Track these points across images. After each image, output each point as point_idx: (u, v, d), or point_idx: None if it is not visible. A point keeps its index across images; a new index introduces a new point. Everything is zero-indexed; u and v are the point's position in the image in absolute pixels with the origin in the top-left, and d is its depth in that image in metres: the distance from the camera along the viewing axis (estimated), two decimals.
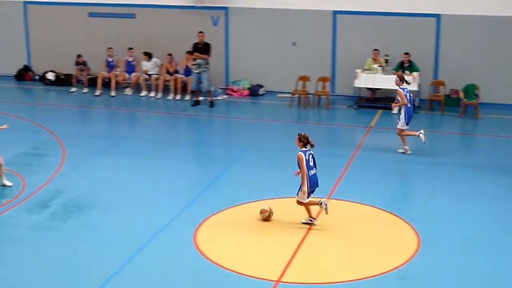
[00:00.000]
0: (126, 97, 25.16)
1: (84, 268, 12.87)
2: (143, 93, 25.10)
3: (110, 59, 25.54)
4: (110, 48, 25.44)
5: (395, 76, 18.93)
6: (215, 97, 24.35)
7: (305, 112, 23.45)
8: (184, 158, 18.88)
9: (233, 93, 25.31)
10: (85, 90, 25.63)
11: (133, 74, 25.38)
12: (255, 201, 15.50)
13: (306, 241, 13.76)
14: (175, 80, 24.76)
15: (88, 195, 16.11)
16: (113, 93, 25.13)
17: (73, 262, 13.14)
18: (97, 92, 25.19)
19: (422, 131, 18.52)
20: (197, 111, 23.41)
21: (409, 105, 18.33)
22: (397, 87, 18.48)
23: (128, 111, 23.94)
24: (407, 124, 18.48)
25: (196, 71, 23.60)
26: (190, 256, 13.21)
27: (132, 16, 26.04)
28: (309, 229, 14.21)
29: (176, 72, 24.87)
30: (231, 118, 23.14)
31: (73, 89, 25.83)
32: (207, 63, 23.56)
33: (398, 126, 18.58)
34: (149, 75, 25.13)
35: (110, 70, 25.49)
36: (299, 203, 14.26)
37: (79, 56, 25.85)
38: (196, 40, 23.65)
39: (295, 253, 13.25)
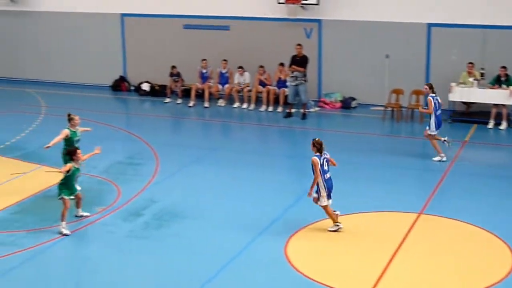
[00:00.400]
0: (219, 108, 25.38)
1: (174, 278, 13.01)
2: (236, 104, 25.27)
3: (204, 71, 25.82)
4: (204, 59, 25.74)
5: (425, 85, 19.55)
6: (308, 109, 24.31)
7: (398, 125, 23.16)
8: (275, 170, 18.89)
9: (325, 106, 25.22)
10: (179, 101, 25.98)
11: (226, 86, 25.60)
12: (347, 214, 15.37)
13: (398, 255, 13.56)
14: (268, 92, 24.84)
15: (181, 205, 16.29)
16: (206, 104, 25.40)
17: (165, 271, 13.30)
18: (191, 103, 25.50)
19: (447, 138, 19.16)
20: (289, 123, 23.41)
21: (438, 112, 18.96)
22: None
23: (220, 122, 24.16)
24: (437, 129, 19.05)
25: (293, 84, 23.58)
26: (281, 268, 13.18)
27: (226, 28, 26.28)
28: (401, 243, 14.00)
29: (270, 84, 24.95)
30: (323, 130, 23.02)
31: (167, 100, 26.22)
32: (304, 76, 23.51)
33: (429, 132, 19.07)
34: (242, 87, 25.29)
35: (203, 81, 25.77)
36: (323, 207, 14.53)
37: (173, 67, 26.23)
38: (293, 52, 23.67)
39: (386, 267, 13.06)
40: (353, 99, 25.15)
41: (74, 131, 16.65)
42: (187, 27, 26.93)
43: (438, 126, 19.09)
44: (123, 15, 27.80)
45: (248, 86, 25.30)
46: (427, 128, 19.14)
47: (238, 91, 25.35)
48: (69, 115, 16.85)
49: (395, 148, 20.34)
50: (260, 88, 25.01)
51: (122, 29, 27.93)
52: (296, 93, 23.65)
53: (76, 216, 15.77)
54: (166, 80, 26.51)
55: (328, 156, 14.58)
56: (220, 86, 25.79)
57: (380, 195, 16.80)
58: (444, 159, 19.02)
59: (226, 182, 17.88)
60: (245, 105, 25.21)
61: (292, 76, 23.62)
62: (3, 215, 15.93)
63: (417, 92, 23.66)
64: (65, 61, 28.90)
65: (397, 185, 17.37)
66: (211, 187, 17.57)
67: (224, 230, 15.01)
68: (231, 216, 15.61)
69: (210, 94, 25.64)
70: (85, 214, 15.89)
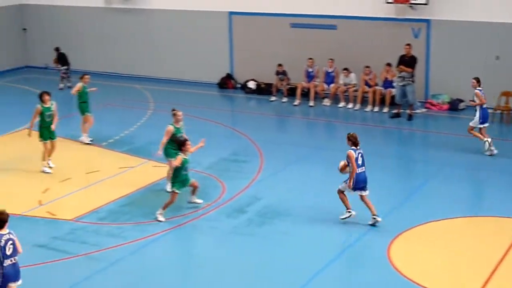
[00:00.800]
0: (324, 107, 25.32)
1: (277, 275, 13.11)
2: (341, 104, 25.16)
3: (310, 70, 25.82)
4: (310, 58, 25.73)
5: (473, 79, 20.24)
6: (414, 110, 23.96)
7: (507, 128, 22.56)
8: (380, 170, 18.68)
9: (432, 107, 24.79)
10: (285, 99, 26.07)
11: (332, 85, 25.52)
12: (451, 218, 15.12)
13: (504, 262, 13.23)
14: (374, 92, 24.63)
15: (284, 203, 16.38)
16: (311, 103, 25.40)
17: (267, 269, 13.41)
18: (296, 102, 25.55)
19: (490, 139, 19.47)
20: (396, 124, 23.13)
21: (484, 105, 19.65)
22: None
23: (325, 121, 24.11)
24: (481, 123, 19.61)
25: (400, 84, 23.30)
26: (383, 269, 13.09)
27: (333, 27, 26.19)
28: (509, 249, 13.65)
29: (375, 84, 24.73)
30: (430, 132, 22.66)
31: (273, 98, 26.35)
32: (411, 76, 23.16)
33: (471, 124, 19.73)
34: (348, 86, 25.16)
35: (309, 80, 25.78)
36: (339, 191, 15.23)
37: (279, 65, 26.33)
38: (400, 52, 23.38)
39: (491, 274, 12.78)
40: (461, 101, 24.62)
41: (178, 128, 16.97)
42: (294, 25, 26.98)
43: (483, 119, 19.62)
44: (231, 13, 28.08)
45: (354, 86, 25.15)
46: (472, 118, 19.81)
47: (344, 91, 25.23)
48: (173, 110, 17.22)
49: (504, 152, 19.78)
50: (366, 88, 24.82)
51: (230, 27, 28.22)
52: (403, 94, 23.34)
53: (190, 202, 16.21)
54: (272, 79, 26.64)
55: (361, 151, 15.11)
56: (325, 85, 25.73)
57: (490, 199, 16.47)
58: (495, 152, 19.39)
59: (330, 181, 17.78)
60: (350, 105, 25.07)
61: (399, 77, 23.33)
62: (112, 208, 16.41)
63: None
64: (174, 58, 29.43)
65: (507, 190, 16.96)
66: (315, 185, 17.59)
67: (327, 229, 15.01)
68: (334, 215, 15.57)
69: (316, 93, 25.62)
70: (198, 201, 16.36)
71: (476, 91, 19.81)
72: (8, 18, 31.66)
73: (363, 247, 14.17)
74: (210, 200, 16.62)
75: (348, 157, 14.89)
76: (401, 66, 23.18)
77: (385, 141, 21.93)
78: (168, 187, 16.92)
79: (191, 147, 15.57)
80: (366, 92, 24.86)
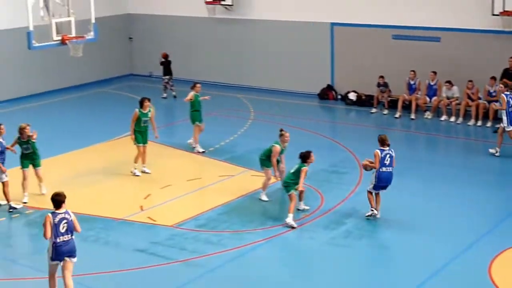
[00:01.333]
0: (426, 120, 24.94)
1: None
2: (443, 117, 24.72)
3: (412, 82, 25.50)
4: (412, 70, 25.42)
5: (500, 83, 21.30)
6: None
7: None
8: (482, 186, 18.29)
9: None
10: (385, 111, 25.82)
11: (434, 98, 25.12)
12: None
13: None
14: (477, 106, 24.11)
15: (383, 216, 16.20)
16: (412, 116, 25.06)
17: (363, 283, 13.30)
18: (397, 114, 25.25)
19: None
20: None
21: (510, 109, 20.13)
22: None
23: (426, 134, 23.73)
24: (509, 124, 20.14)
25: None
26: None
27: (436, 39, 25.80)
28: None
29: (478, 98, 24.21)
30: None
31: (374, 110, 26.14)
32: None
33: (504, 126, 20.34)
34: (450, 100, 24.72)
35: (411, 92, 25.46)
36: (367, 192, 16.06)
37: (381, 77, 26.12)
38: (506, 65, 22.83)
39: None
40: None
41: (283, 149, 17.16)
42: (396, 37, 26.72)
43: (510, 122, 20.13)
44: (333, 24, 28.04)
45: (456, 100, 24.69)
46: (502, 124, 20.36)
47: (446, 104, 24.79)
48: (281, 130, 17.37)
49: None
50: (469, 102, 24.31)
51: (331, 38, 28.18)
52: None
53: (298, 209, 16.40)
54: (373, 90, 26.45)
55: (392, 153, 16.15)
56: (427, 98, 25.35)
57: None
58: (497, 154, 20.36)
59: (429, 195, 17.58)
60: (452, 119, 24.60)
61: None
62: (211, 215, 16.61)
63: None
64: (275, 68, 29.58)
65: None
66: (414, 199, 17.35)
67: (427, 243, 14.80)
68: (434, 229, 15.34)
69: (417, 105, 25.27)
70: (306, 207, 16.62)
71: (502, 95, 20.34)
72: (115, 27, 32.51)
73: (463, 264, 13.87)
74: (309, 211, 16.61)
75: (374, 156, 15.98)
76: (505, 80, 22.63)
77: (487, 156, 21.38)
78: (264, 197, 17.12)
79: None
80: (469, 106, 24.36)
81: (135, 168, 19.50)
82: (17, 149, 17.75)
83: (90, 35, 21.91)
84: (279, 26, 29.21)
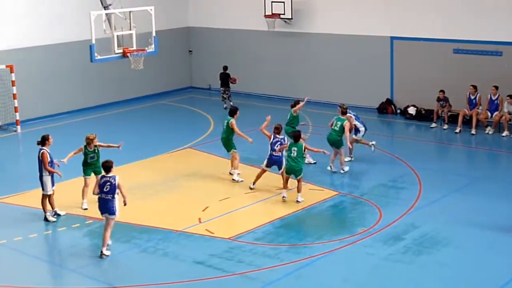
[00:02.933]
0: (487, 136, 24.56)
1: None
2: (505, 133, 24.33)
3: (472, 97, 25.18)
4: (472, 85, 25.11)
5: None
6: None
7: None
8: None
9: None
10: (445, 126, 25.52)
11: (495, 113, 24.75)
12: None
13: None
14: None
15: (443, 232, 16.03)
16: (473, 131, 24.72)
17: None
18: (457, 129, 24.94)
19: None
20: None
21: None
22: None
23: (487, 150, 23.36)
24: None
25: None
26: None
27: (498, 53, 25.44)
28: None
29: None
30: None
31: (433, 125, 25.86)
32: None
33: None
34: None
35: (471, 107, 25.13)
36: None
37: (441, 91, 25.85)
38: None
39: None
40: None
41: None
42: (457, 51, 26.43)
43: None
44: (393, 38, 27.88)
45: None
46: None
47: (508, 120, 24.40)
48: None
49: None
50: None
51: (391, 52, 28.02)
52: None
53: (298, 201, 17.96)
54: (433, 105, 26.18)
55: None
56: (489, 113, 24.98)
57: None
58: None
59: (490, 213, 17.29)
60: None
61: None
62: (268, 228, 16.62)
63: None
64: (333, 81, 29.54)
65: None
66: (475, 216, 17.09)
67: (488, 259, 14.57)
68: (495, 245, 15.10)
69: (478, 121, 24.92)
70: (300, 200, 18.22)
71: None
72: (176, 40, 32.85)
73: None
74: (367, 226, 16.51)
75: None
76: None
77: None
78: (299, 198, 18.07)
79: None
80: None
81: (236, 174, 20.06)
82: (75, 159, 18.06)
83: (151, 48, 22.23)
84: (339, 40, 29.17)
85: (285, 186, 18.54)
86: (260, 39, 31.47)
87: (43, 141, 17.30)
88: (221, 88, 29.62)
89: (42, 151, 17.15)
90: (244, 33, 31.95)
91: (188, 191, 19.46)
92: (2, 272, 15.05)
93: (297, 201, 18.19)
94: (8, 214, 18.14)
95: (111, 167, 15.29)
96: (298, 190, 18.28)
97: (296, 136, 18.46)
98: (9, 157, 24.11)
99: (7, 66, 26.49)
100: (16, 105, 26.77)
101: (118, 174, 15.47)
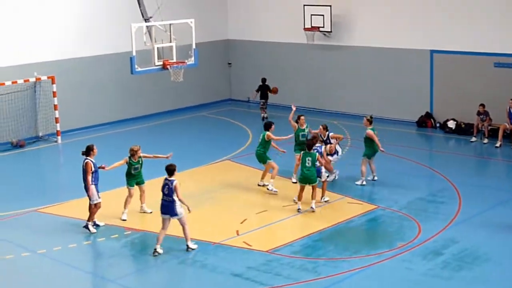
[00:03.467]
0: None
1: None
2: None
3: None
4: None
5: None
6: None
7: None
8: None
9: None
10: (485, 140, 25.25)
11: None
12: None
13: None
14: None
15: (483, 247, 15.85)
16: None
17: None
18: (498, 144, 24.68)
19: None
20: None
21: None
22: None
23: None
24: None
25: None
26: None
27: None
28: None
29: None
30: None
31: (473, 139, 25.60)
32: None
33: None
34: None
35: None
36: None
37: (481, 105, 25.61)
38: None
39: None
40: None
41: None
42: (498, 65, 26.17)
43: None
44: (433, 51, 27.71)
45: None
46: None
47: None
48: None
49: None
50: None
51: (431, 65, 27.84)
52: None
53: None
54: (473, 119, 25.94)
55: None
56: None
57: None
58: None
59: None
60: None
61: None
62: (306, 242, 16.57)
63: None
64: (373, 94, 29.43)
65: None
66: None
67: None
68: None
69: None
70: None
71: None
72: (215, 53, 33.02)
73: None
74: (406, 241, 16.38)
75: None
76: None
77: None
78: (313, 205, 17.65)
79: None
80: None
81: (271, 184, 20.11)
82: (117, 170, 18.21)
83: (191, 60, 22.35)
84: (378, 53, 29.08)
85: (300, 197, 18.70)
86: (299, 52, 31.49)
87: (88, 151, 17.48)
88: (261, 100, 29.73)
89: (86, 161, 17.34)
90: (283, 46, 32.00)
91: (226, 203, 19.49)
92: (42, 282, 15.21)
93: (311, 208, 18.29)
94: (48, 224, 18.33)
95: (174, 170, 16.05)
96: (312, 197, 18.41)
97: (309, 145, 18.53)
98: (50, 168, 24.41)
99: (48, 77, 26.87)
100: (57, 115, 27.12)
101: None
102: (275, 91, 29.58)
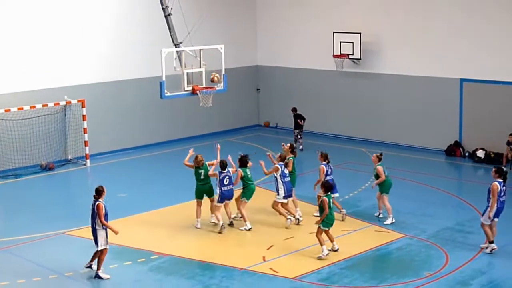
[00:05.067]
0: None
1: None
2: None
3: None
4: None
5: None
6: None
7: None
8: None
9: None
10: None
11: None
12: None
13: None
14: None
15: (507, 279, 15.67)
16: None
17: None
18: None
19: None
20: None
21: None
22: None
23: None
24: None
25: None
26: None
27: None
28: None
29: None
30: None
31: (503, 168, 25.37)
32: None
33: None
34: None
35: None
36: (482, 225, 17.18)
37: (511, 135, 25.42)
38: None
39: None
40: None
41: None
42: None
43: None
44: (462, 80, 27.62)
45: None
46: None
47: None
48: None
49: None
50: None
51: (460, 94, 27.73)
52: None
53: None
54: (502, 148, 25.76)
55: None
56: None
57: None
58: None
59: None
60: None
61: None
62: (333, 269, 16.49)
63: None
64: (401, 122, 29.36)
65: None
66: None
67: None
68: None
69: None
70: None
71: None
72: (244, 78, 33.17)
73: None
74: (433, 270, 16.24)
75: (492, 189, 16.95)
76: None
77: None
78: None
79: None
80: None
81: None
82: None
83: (220, 86, 22.44)
84: (407, 81, 29.04)
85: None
86: (328, 79, 31.53)
87: (99, 193, 16.29)
88: (295, 131, 29.53)
89: (97, 202, 16.19)
90: (312, 73, 32.07)
91: (253, 229, 19.46)
92: None
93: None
94: (75, 247, 18.43)
95: (226, 165, 19.31)
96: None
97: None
98: (78, 190, 24.56)
99: (78, 101, 27.13)
100: (86, 139, 27.34)
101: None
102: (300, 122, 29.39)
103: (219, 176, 19.25)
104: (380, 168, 19.88)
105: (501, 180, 17.24)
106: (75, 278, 16.33)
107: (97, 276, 16.33)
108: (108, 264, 17.01)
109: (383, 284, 15.60)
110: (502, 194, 17.18)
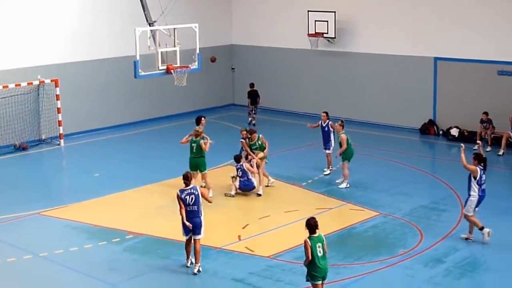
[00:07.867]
0: None
1: None
2: None
3: None
4: None
5: None
6: None
7: None
8: None
9: None
10: (488, 148, 25.21)
11: None
12: None
13: None
14: None
15: (484, 256, 15.86)
16: None
17: None
18: (500, 152, 24.65)
19: None
20: None
21: None
22: None
23: None
24: None
25: None
26: None
27: None
28: None
29: None
30: None
31: (476, 147, 25.55)
32: None
33: None
34: None
35: None
36: (465, 216, 16.67)
37: (485, 113, 25.60)
38: None
39: None
40: None
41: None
42: (501, 73, 26.16)
43: None
44: (436, 58, 27.71)
45: None
46: None
47: None
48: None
49: None
50: None
51: (434, 72, 27.84)
52: None
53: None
54: (476, 126, 25.94)
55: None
56: None
57: None
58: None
59: None
60: None
61: None
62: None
63: None
64: (375, 101, 29.44)
65: None
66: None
67: None
68: None
69: None
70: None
71: None
72: (219, 57, 32.92)
73: None
74: (408, 248, 16.36)
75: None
76: None
77: None
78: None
79: None
80: None
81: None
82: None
83: (195, 65, 22.34)
84: (381, 60, 29.09)
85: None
86: (302, 58, 31.51)
87: (188, 178, 15.71)
88: (251, 106, 29.89)
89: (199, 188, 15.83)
90: (286, 52, 32.03)
91: (228, 208, 19.48)
92: (43, 285, 15.22)
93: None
94: (49, 227, 18.33)
95: (241, 158, 20.47)
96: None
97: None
98: (52, 171, 24.40)
99: (52, 80, 26.89)
100: (60, 118, 27.14)
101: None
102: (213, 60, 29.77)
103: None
104: (343, 136, 20.24)
105: (482, 167, 16.80)
106: (50, 258, 16.25)
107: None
108: (82, 244, 16.97)
109: (358, 262, 15.69)
110: (482, 182, 16.66)
